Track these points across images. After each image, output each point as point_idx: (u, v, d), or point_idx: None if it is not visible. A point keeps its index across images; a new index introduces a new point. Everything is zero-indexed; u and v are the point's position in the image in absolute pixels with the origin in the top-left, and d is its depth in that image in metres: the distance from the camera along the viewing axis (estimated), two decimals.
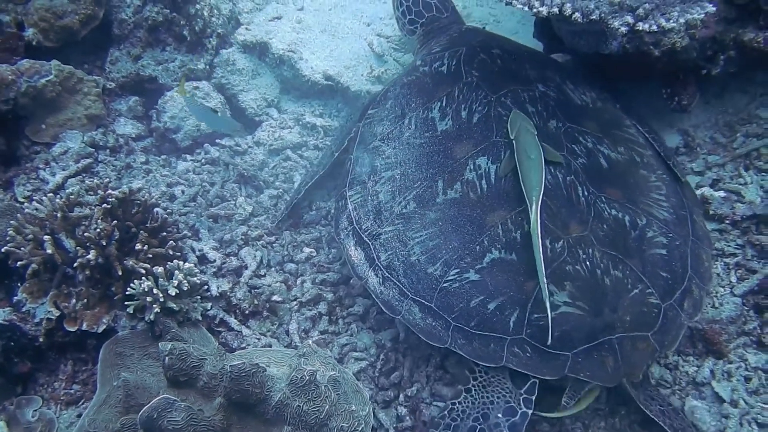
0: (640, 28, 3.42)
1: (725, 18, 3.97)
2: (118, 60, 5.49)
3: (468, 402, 3.56)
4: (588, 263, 3.47)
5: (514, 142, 3.71)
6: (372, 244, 3.87)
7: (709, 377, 3.72)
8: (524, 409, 3.46)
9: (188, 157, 5.16)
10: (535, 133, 3.72)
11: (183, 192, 4.82)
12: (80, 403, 3.91)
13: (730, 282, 3.98)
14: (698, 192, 4.24)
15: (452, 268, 3.59)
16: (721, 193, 4.18)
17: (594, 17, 3.52)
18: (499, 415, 3.47)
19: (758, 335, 3.79)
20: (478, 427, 3.47)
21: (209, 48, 5.59)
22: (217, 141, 5.19)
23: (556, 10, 3.61)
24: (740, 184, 4.24)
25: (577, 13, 3.55)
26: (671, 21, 3.39)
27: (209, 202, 4.77)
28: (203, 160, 5.11)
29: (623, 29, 3.51)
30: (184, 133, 5.22)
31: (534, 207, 3.42)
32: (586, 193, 3.68)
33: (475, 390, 3.57)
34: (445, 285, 3.58)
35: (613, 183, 3.78)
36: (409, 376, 3.89)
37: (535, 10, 3.66)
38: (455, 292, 3.55)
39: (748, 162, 4.36)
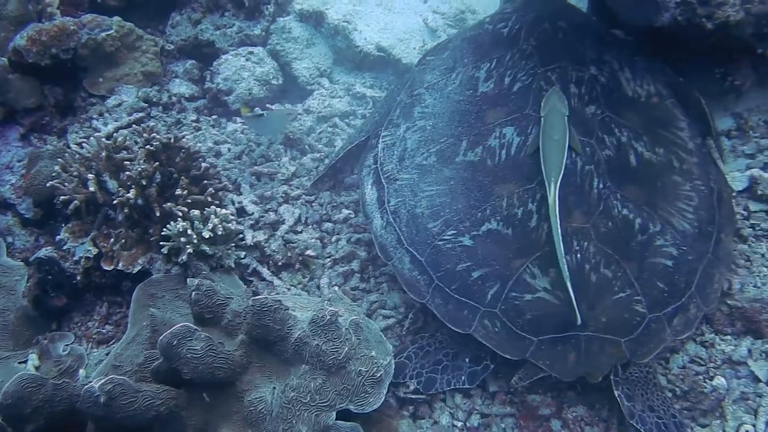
0: None
1: None
2: (178, 24, 5.61)
3: (448, 335, 3.64)
4: (578, 256, 3.37)
5: (542, 119, 3.65)
6: (387, 187, 3.85)
7: (746, 356, 3.58)
8: (488, 362, 3.54)
9: (238, 119, 5.20)
10: (567, 114, 3.64)
11: (229, 150, 4.87)
12: (111, 342, 3.98)
13: None
14: (747, 172, 4.12)
15: (450, 229, 3.55)
16: None
17: None
18: (467, 360, 3.58)
19: None
20: (445, 361, 3.60)
21: (266, 15, 5.63)
22: (268, 106, 5.23)
23: None
24: None
25: None
26: None
27: (254, 160, 4.81)
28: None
29: None
30: (236, 96, 5.26)
31: (552, 189, 3.36)
32: (600, 186, 3.54)
33: None
34: (439, 243, 3.55)
35: (636, 182, 3.61)
36: None
37: None
38: (446, 253, 3.52)
39: None
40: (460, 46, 4.31)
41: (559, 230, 3.27)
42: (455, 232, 3.53)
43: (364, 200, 3.95)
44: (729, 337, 3.69)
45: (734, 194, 4.10)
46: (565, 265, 3.22)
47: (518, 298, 3.34)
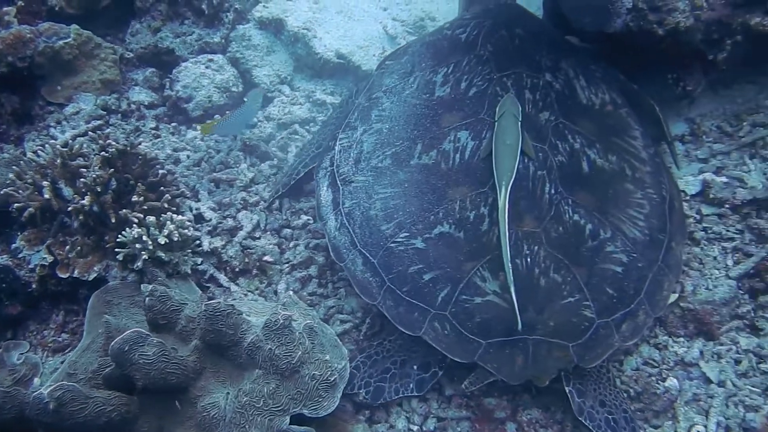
0: None
1: (733, 2, 3.87)
2: (138, 32, 5.60)
3: (397, 342, 3.67)
4: (528, 260, 3.40)
5: (496, 124, 3.69)
6: (342, 189, 3.86)
7: (698, 357, 3.64)
8: (436, 369, 3.56)
9: (198, 126, 5.19)
10: (520, 120, 3.68)
11: (188, 157, 4.87)
12: (67, 351, 3.93)
13: (726, 265, 3.90)
14: (700, 177, 4.21)
15: (403, 231, 3.57)
16: (723, 179, 4.12)
17: None
18: (414, 367, 3.59)
19: (751, 319, 3.73)
20: (393, 370, 3.61)
21: (226, 22, 5.64)
22: (227, 112, 5.21)
23: None
24: (744, 171, 4.16)
25: None
26: None
27: (212, 167, 4.81)
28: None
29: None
30: (196, 103, 5.25)
31: (503, 193, 3.40)
32: (552, 191, 3.59)
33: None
34: (391, 245, 3.56)
35: (588, 189, 3.65)
36: None
37: None
38: (398, 255, 3.54)
39: (754, 150, 4.28)
40: (419, 50, 4.35)
41: (507, 234, 3.30)
42: (408, 234, 3.55)
43: (320, 202, 3.96)
44: (681, 339, 3.76)
45: (687, 198, 4.18)
46: (510, 269, 3.25)
47: (468, 301, 3.36)
